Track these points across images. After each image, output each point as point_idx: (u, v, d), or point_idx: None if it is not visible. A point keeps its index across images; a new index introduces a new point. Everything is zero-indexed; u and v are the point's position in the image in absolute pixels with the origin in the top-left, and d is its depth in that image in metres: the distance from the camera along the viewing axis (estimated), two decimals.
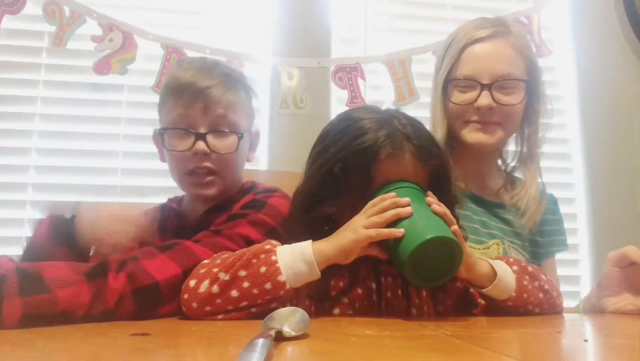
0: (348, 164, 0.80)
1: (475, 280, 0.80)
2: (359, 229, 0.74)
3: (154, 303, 0.71)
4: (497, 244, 1.10)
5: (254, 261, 0.71)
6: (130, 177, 1.69)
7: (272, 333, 0.49)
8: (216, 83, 0.96)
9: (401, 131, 0.81)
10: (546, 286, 0.86)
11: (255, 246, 0.74)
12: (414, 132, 0.82)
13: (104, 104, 1.71)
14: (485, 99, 1.07)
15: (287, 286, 0.70)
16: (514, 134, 1.18)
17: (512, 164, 1.21)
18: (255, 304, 0.70)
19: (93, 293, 0.67)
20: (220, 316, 0.70)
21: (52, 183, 1.66)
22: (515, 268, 0.84)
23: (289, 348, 0.49)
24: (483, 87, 1.07)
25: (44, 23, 1.66)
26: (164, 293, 0.72)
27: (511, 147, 1.22)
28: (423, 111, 1.75)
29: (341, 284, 0.82)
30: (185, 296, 0.70)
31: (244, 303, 0.70)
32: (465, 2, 1.95)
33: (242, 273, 0.70)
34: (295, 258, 0.72)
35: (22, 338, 0.52)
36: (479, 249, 1.07)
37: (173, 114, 0.95)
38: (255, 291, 0.70)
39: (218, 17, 1.79)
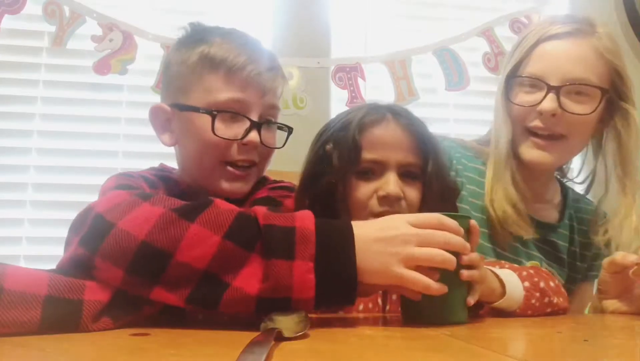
0: (336, 138, 0.85)
1: (482, 296, 0.78)
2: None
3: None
4: (535, 266, 1.03)
5: None
6: None
7: (272, 333, 0.49)
8: (272, 65, 0.88)
9: (384, 107, 0.87)
10: (555, 300, 0.84)
11: None
12: (397, 108, 0.89)
13: (104, 104, 1.71)
14: (549, 103, 0.95)
15: None
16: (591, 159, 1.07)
17: (579, 182, 1.11)
18: None
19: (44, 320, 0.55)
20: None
21: (52, 183, 1.66)
22: (526, 284, 0.81)
23: (289, 348, 0.49)
24: (550, 89, 0.95)
25: (44, 23, 1.66)
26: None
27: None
28: (423, 111, 1.75)
29: None
30: None
31: None
32: (465, 2, 1.95)
33: None
34: None
35: (22, 338, 0.52)
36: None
37: (223, 94, 0.84)
38: None
39: (218, 17, 1.79)
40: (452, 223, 0.64)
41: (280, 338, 0.51)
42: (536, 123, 0.98)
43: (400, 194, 0.82)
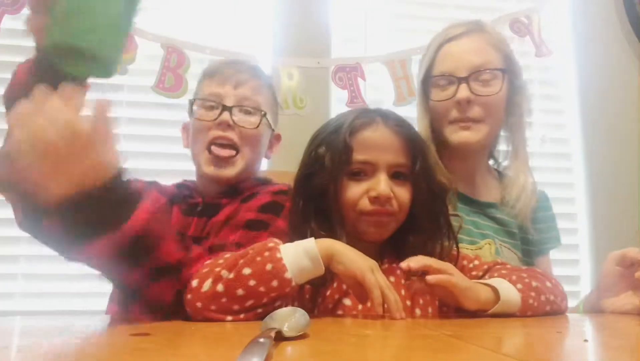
0: (328, 141, 0.88)
1: (476, 305, 0.78)
2: None
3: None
4: (489, 244, 1.11)
5: (258, 259, 0.71)
6: None
7: (272, 333, 0.49)
8: (246, 68, 1.09)
9: (374, 111, 0.91)
10: (552, 298, 0.85)
11: (258, 244, 0.74)
12: (387, 112, 0.92)
13: None
14: (463, 92, 1.08)
15: (293, 283, 0.70)
16: (502, 134, 1.19)
17: (504, 163, 1.22)
18: (261, 303, 0.69)
19: None
20: (229, 318, 0.68)
21: None
22: (519, 286, 0.82)
23: (289, 348, 0.49)
24: (460, 80, 1.08)
25: None
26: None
27: (503, 146, 1.23)
28: None
29: (345, 286, 0.82)
30: (189, 296, 0.69)
31: (250, 302, 0.69)
32: (465, 2, 1.95)
33: (247, 271, 0.69)
34: (299, 255, 0.72)
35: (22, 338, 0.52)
36: (471, 250, 1.07)
37: (205, 91, 1.07)
38: (262, 289, 0.69)
39: (218, 17, 1.79)
40: None
41: (280, 338, 0.51)
42: (455, 114, 1.10)
43: (390, 194, 0.85)
